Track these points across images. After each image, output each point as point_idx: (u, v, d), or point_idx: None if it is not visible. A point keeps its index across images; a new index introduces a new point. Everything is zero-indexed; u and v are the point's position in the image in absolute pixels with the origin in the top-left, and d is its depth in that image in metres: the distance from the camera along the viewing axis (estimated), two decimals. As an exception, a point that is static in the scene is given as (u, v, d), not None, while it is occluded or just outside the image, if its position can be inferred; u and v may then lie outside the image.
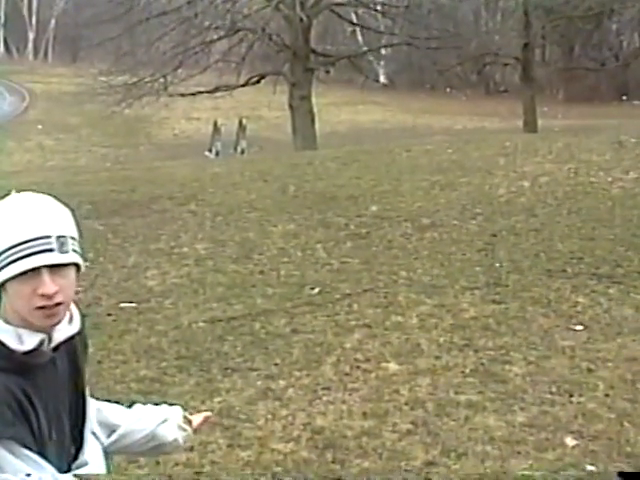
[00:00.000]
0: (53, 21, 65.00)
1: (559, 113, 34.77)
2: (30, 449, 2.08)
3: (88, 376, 6.12)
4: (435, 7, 28.83)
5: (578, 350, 6.66)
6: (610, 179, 13.08)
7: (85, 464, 2.24)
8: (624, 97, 40.62)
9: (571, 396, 5.83)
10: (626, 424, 5.41)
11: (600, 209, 11.39)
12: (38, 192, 2.18)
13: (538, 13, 28.10)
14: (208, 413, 2.77)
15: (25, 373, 2.10)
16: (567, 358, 6.51)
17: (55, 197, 2.22)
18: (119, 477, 4.82)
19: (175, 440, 2.48)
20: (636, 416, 5.52)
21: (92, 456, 2.30)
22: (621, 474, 4.38)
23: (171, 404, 5.81)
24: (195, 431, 2.57)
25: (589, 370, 6.28)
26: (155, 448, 2.45)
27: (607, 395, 5.84)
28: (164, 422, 2.46)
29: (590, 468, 4.90)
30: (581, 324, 7.24)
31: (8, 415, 2.05)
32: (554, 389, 5.94)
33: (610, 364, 6.38)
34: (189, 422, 2.53)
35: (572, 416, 5.53)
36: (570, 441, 5.20)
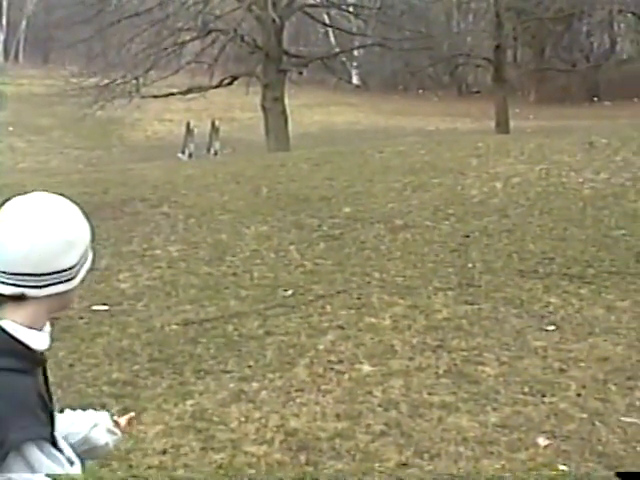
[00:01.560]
0: (24, 22, 64.61)
1: (531, 114, 34.92)
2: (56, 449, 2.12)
3: (60, 379, 6.07)
4: (407, 8, 28.87)
5: (550, 350, 6.70)
6: (581, 180, 13.16)
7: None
8: (595, 98, 40.85)
9: (543, 396, 5.86)
10: (598, 424, 5.45)
11: (571, 209, 11.46)
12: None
13: (510, 15, 28.21)
14: (132, 413, 2.70)
15: (40, 374, 2.17)
16: (539, 358, 6.54)
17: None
18: (91, 481, 4.79)
19: (106, 444, 2.43)
20: (608, 416, 5.56)
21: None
22: (619, 474, 4.40)
23: (144, 407, 5.80)
24: (123, 433, 2.52)
25: (561, 370, 6.32)
26: (86, 452, 2.38)
27: (579, 395, 5.88)
28: (95, 426, 2.40)
29: (562, 468, 4.92)
30: (553, 324, 7.28)
31: (42, 416, 2.07)
32: (526, 389, 5.97)
33: (582, 364, 6.42)
34: (117, 425, 2.48)
35: (544, 416, 5.56)
36: (542, 441, 5.23)
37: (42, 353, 2.17)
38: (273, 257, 9.70)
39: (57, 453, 2.11)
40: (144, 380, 6.29)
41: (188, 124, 30.46)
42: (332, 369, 6.40)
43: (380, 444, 5.23)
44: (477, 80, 46.65)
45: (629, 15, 37.25)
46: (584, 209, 11.44)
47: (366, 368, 6.39)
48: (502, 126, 26.76)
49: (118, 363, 6.64)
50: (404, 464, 4.99)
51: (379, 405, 5.76)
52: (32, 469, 2.02)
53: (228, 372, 6.40)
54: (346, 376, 6.26)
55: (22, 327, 2.10)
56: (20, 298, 2.08)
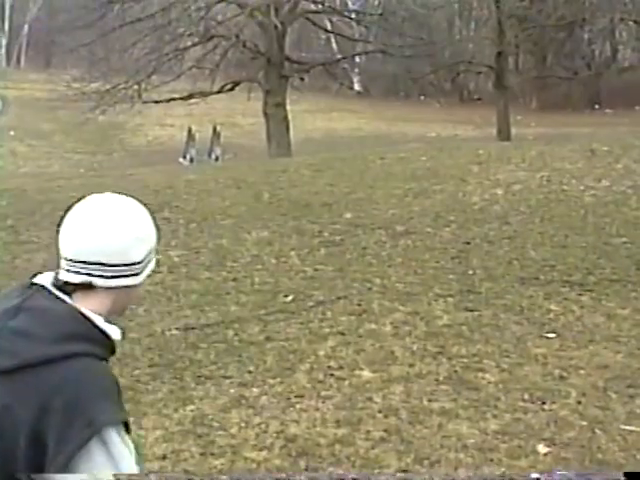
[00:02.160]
0: (26, 27, 64.66)
1: (532, 121, 34.94)
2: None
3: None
4: (409, 15, 28.89)
5: (550, 357, 6.70)
6: (582, 187, 13.16)
7: None
8: (596, 106, 40.88)
9: (543, 403, 5.86)
10: (598, 431, 5.44)
11: (572, 217, 11.47)
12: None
13: (511, 22, 28.25)
14: None
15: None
16: (540, 365, 6.54)
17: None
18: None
19: None
20: (608, 423, 5.55)
21: None
22: (627, 474, 4.39)
23: (144, 412, 5.79)
24: None
25: (561, 377, 6.31)
26: None
27: (579, 402, 5.87)
28: None
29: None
30: (553, 332, 7.28)
31: (121, 401, 2.21)
32: (526, 396, 5.97)
33: (582, 371, 6.42)
34: None
35: (544, 423, 5.56)
36: (542, 448, 5.23)
37: (114, 343, 2.26)
38: (274, 263, 9.71)
39: (129, 441, 2.14)
40: (145, 385, 6.29)
41: (189, 129, 30.50)
42: (332, 375, 6.40)
43: (380, 450, 5.22)
44: (479, 87, 46.69)
45: (631, 23, 37.30)
46: (585, 216, 11.44)
47: (366, 374, 6.39)
48: (503, 133, 26.77)
49: (119, 368, 6.63)
50: (404, 470, 4.99)
51: (379, 411, 5.76)
52: (110, 454, 2.04)
53: (228, 377, 6.40)
54: (346, 382, 6.26)
55: (98, 316, 2.17)
56: (88, 287, 2.16)
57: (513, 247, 10.07)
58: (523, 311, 7.80)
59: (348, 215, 11.87)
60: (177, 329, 7.50)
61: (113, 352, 2.24)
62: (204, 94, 26.73)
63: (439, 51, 30.65)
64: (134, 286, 2.24)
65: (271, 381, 6.30)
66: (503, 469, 4.98)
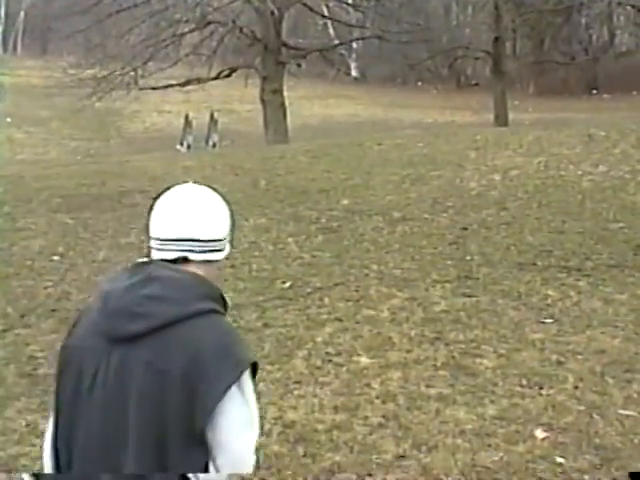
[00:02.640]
0: (22, 13, 64.48)
1: (530, 107, 34.90)
2: None
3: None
4: (406, 1, 28.86)
5: (548, 343, 6.70)
6: (580, 172, 13.16)
7: None
8: (594, 91, 40.85)
9: (541, 388, 5.87)
10: (595, 416, 5.45)
11: (570, 202, 11.47)
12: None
13: (508, 7, 28.20)
14: None
15: None
16: (537, 351, 6.55)
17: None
18: None
19: None
20: (605, 408, 5.56)
21: None
22: (632, 474, 4.40)
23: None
24: None
25: (559, 363, 6.32)
26: None
27: (576, 387, 5.88)
28: None
29: (560, 460, 4.93)
30: (551, 317, 7.29)
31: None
32: (524, 382, 5.97)
33: (579, 357, 6.42)
34: None
35: (542, 408, 5.56)
36: (540, 433, 5.23)
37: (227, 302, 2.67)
38: (271, 249, 9.70)
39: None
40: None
41: (187, 116, 30.43)
42: (330, 361, 6.40)
43: (378, 436, 5.23)
44: (476, 73, 46.64)
45: (628, 7, 37.19)
46: (583, 202, 11.45)
47: (364, 360, 6.39)
48: (501, 119, 26.76)
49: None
50: (402, 456, 5.00)
51: (377, 397, 5.76)
52: (243, 392, 2.38)
53: (226, 364, 6.40)
54: (344, 368, 6.27)
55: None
56: (182, 262, 2.49)
57: (511, 233, 10.08)
58: (521, 296, 7.80)
59: (345, 201, 11.87)
60: (175, 316, 7.50)
61: (227, 309, 2.63)
62: (201, 80, 26.68)
63: (436, 37, 30.58)
64: (217, 261, 2.57)
65: (269, 367, 6.30)
66: (500, 454, 4.99)
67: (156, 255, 2.53)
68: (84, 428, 2.39)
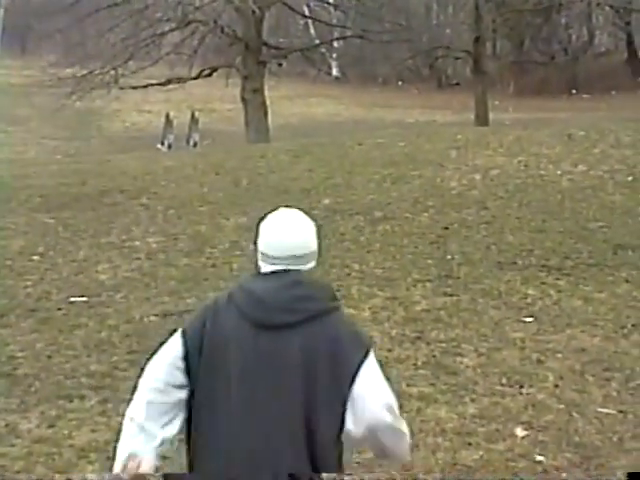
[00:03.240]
0: (1, 12, 64.14)
1: (510, 106, 35.00)
2: None
3: (38, 371, 6.02)
4: (387, 0, 28.87)
5: (528, 341, 6.74)
6: (560, 172, 13.22)
7: None
8: (573, 91, 41.00)
9: (521, 387, 5.90)
10: (575, 414, 5.49)
11: (550, 202, 11.52)
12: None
13: (489, 7, 28.26)
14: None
15: None
16: (517, 349, 6.58)
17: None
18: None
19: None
20: (584, 406, 5.60)
21: None
22: (631, 475, 4.43)
23: (123, 399, 5.77)
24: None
25: (539, 361, 6.35)
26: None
27: (556, 386, 5.91)
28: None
29: (540, 458, 4.96)
30: (531, 316, 7.32)
31: None
32: (504, 380, 6.00)
33: (559, 355, 6.46)
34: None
35: (522, 407, 5.59)
36: (520, 432, 5.26)
37: None
38: (253, 248, 9.69)
39: None
40: (123, 372, 6.27)
41: (167, 115, 30.37)
42: (311, 360, 6.41)
43: (359, 435, 5.23)
44: (456, 72, 46.74)
45: (607, 8, 37.40)
46: (562, 201, 11.50)
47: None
48: (481, 118, 26.82)
49: (97, 354, 6.63)
50: (383, 455, 5.00)
51: (358, 396, 5.77)
52: (373, 364, 3.07)
53: (207, 363, 6.39)
54: (325, 367, 6.27)
55: None
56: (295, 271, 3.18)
57: (491, 232, 10.11)
58: (501, 295, 7.84)
59: (327, 201, 11.88)
60: (155, 315, 7.49)
61: None
62: (182, 80, 26.62)
63: (417, 36, 30.63)
64: (312, 270, 3.24)
65: (250, 367, 6.30)
66: (481, 452, 5.01)
67: (268, 268, 3.19)
68: (248, 400, 3.00)
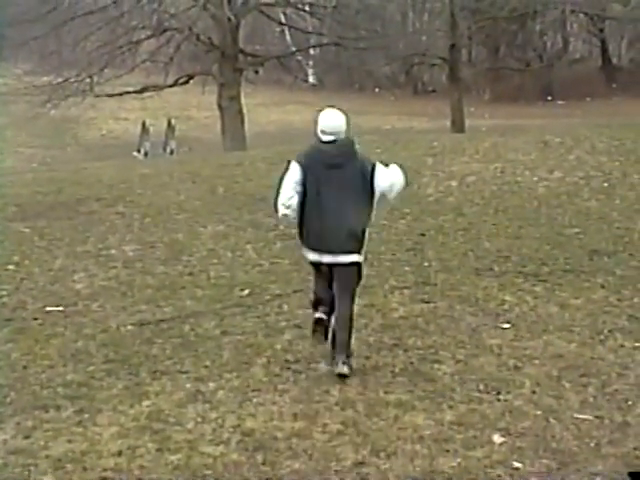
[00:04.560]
0: (-24, 20, 63.86)
1: (486, 113, 35.14)
2: None
3: (13, 381, 6.00)
4: (363, 7, 28.88)
5: (505, 348, 6.76)
6: (536, 178, 13.29)
7: None
8: (548, 97, 41.20)
9: (498, 394, 5.91)
10: (552, 420, 5.51)
11: (526, 208, 11.58)
12: None
13: (464, 14, 28.38)
14: None
15: None
16: (494, 356, 6.60)
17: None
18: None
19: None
20: (562, 412, 5.62)
21: None
22: (631, 474, 4.43)
23: (99, 408, 5.74)
24: None
25: (516, 368, 6.37)
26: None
27: (534, 392, 5.93)
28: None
29: (517, 465, 4.97)
30: (508, 322, 7.34)
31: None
32: (482, 387, 6.02)
33: (536, 361, 6.48)
34: None
35: (499, 413, 5.61)
36: (498, 438, 5.27)
37: None
38: (230, 256, 9.68)
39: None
40: (99, 381, 6.24)
41: (144, 123, 30.29)
42: (289, 368, 6.40)
43: (337, 443, 5.24)
44: (433, 79, 46.89)
45: (581, 15, 37.66)
46: (538, 208, 11.56)
47: (323, 367, 6.39)
48: (457, 125, 26.91)
49: (73, 364, 6.59)
50: (361, 463, 5.01)
51: (336, 404, 5.77)
52: (380, 167, 6.76)
53: (184, 372, 6.37)
54: (303, 375, 6.27)
55: None
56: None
57: (468, 238, 10.14)
58: (478, 302, 7.86)
59: (303, 208, 11.86)
60: (132, 324, 7.45)
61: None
62: (158, 87, 26.55)
63: (393, 43, 30.68)
64: (343, 137, 6.75)
65: (228, 375, 6.29)
66: (459, 460, 5.02)
67: (325, 137, 6.65)
68: (329, 196, 6.57)
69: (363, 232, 6.66)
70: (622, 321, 7.38)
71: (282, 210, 6.59)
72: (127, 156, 27.06)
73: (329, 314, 6.48)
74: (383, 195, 6.68)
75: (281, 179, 6.65)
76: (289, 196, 6.57)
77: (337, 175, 6.57)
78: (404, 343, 6.88)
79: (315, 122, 6.64)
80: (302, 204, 6.59)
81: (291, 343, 6.92)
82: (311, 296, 6.73)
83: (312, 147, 6.77)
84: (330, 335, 6.42)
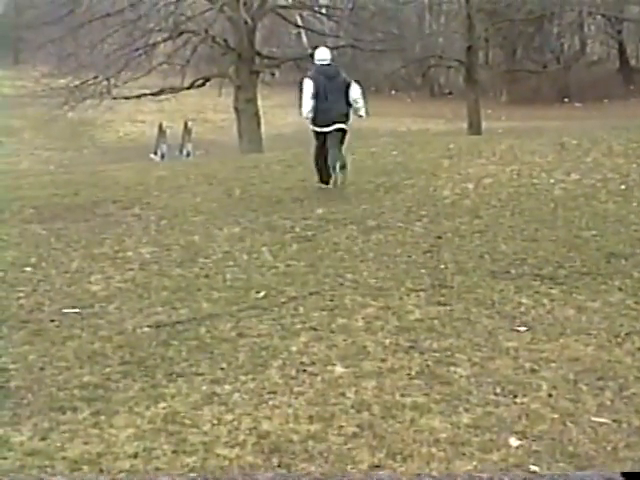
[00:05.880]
0: (-6, 22, 64.03)
1: (502, 115, 35.11)
2: None
3: (30, 383, 6.03)
4: (379, 10, 28.94)
5: (522, 351, 6.73)
6: (552, 181, 13.25)
7: None
8: (565, 99, 41.11)
9: (515, 397, 5.89)
10: (569, 424, 5.48)
11: (543, 210, 11.54)
12: None
13: (481, 16, 28.40)
14: None
15: None
16: (511, 359, 6.57)
17: None
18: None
19: None
20: (578, 416, 5.59)
21: None
22: (625, 474, 4.41)
23: (116, 410, 5.76)
24: None
25: (532, 371, 6.34)
26: None
27: (550, 395, 5.91)
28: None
29: (534, 468, 4.95)
30: (524, 325, 7.31)
31: None
32: (498, 390, 5.99)
33: (553, 364, 6.45)
34: None
35: (516, 417, 5.58)
36: (514, 442, 5.25)
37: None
38: (246, 259, 9.69)
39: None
40: (115, 383, 6.25)
41: (160, 125, 30.41)
42: (305, 371, 6.40)
43: (353, 446, 5.23)
44: (449, 81, 46.86)
45: (599, 17, 37.57)
46: (555, 210, 11.52)
47: (339, 370, 6.39)
48: (474, 127, 26.91)
49: (89, 366, 6.60)
50: (377, 466, 5.00)
51: (352, 407, 5.76)
52: (357, 85, 13.02)
53: (200, 374, 6.37)
54: (319, 378, 6.26)
55: None
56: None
57: (484, 241, 10.12)
58: (494, 305, 7.83)
59: (320, 210, 11.88)
60: (148, 326, 7.47)
61: None
62: (175, 90, 26.66)
63: (409, 46, 30.74)
64: (332, 62, 13.61)
65: (243, 378, 6.29)
66: (475, 463, 5.00)
67: (322, 63, 12.93)
68: (326, 94, 12.67)
69: (347, 114, 12.91)
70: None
71: (306, 114, 12.75)
72: (144, 158, 27.16)
73: (325, 169, 13.19)
74: (353, 100, 12.89)
75: (301, 90, 12.83)
76: (309, 106, 12.67)
77: (331, 83, 12.75)
78: (420, 345, 6.86)
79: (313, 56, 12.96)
80: (314, 100, 12.65)
81: (307, 345, 6.91)
82: (313, 164, 13.49)
83: (315, 69, 13.01)
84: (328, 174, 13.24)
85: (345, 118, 12.80)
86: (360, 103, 12.85)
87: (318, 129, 12.78)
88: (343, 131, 12.83)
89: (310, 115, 12.62)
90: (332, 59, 13.12)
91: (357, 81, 12.99)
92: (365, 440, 5.30)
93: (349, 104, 12.78)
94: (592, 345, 6.85)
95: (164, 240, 10.64)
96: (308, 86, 12.57)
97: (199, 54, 27.85)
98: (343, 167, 12.95)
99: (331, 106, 12.59)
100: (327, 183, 13.05)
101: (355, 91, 12.77)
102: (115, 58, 25.16)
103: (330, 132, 12.65)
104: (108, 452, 5.20)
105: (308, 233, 10.72)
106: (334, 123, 12.66)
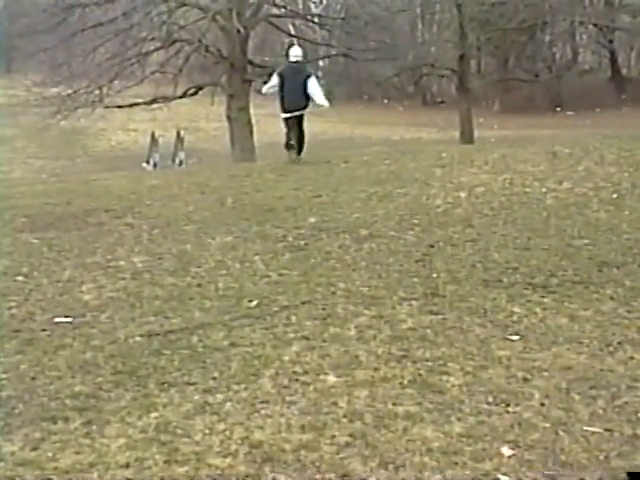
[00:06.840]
0: (-14, 31, 63.97)
1: (495, 124, 35.18)
2: None
3: (21, 393, 6.02)
4: (372, 19, 28.98)
5: (514, 360, 6.73)
6: (544, 189, 13.28)
7: None
8: (558, 108, 41.23)
9: (507, 406, 5.88)
10: (561, 433, 5.48)
11: (535, 219, 11.55)
12: None
13: (473, 25, 28.49)
14: None
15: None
16: (503, 368, 6.57)
17: None
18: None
19: None
20: (571, 425, 5.59)
21: None
22: (630, 474, 4.40)
23: (107, 420, 5.74)
24: None
25: (525, 379, 6.34)
26: None
27: (542, 404, 5.91)
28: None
29: (526, 478, 4.94)
30: (517, 334, 7.32)
31: None
32: (491, 399, 5.99)
33: (545, 373, 6.45)
34: None
35: (508, 426, 5.58)
36: (507, 451, 5.25)
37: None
38: (238, 268, 9.68)
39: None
40: (107, 393, 6.24)
41: (153, 134, 30.40)
42: (297, 380, 6.39)
43: (345, 455, 5.22)
44: (441, 90, 46.95)
45: (590, 26, 37.69)
46: (547, 219, 11.54)
47: (331, 379, 6.38)
48: (466, 136, 26.97)
49: (81, 376, 6.59)
50: (369, 475, 4.99)
51: (344, 416, 5.75)
52: (315, 79, 17.03)
53: (192, 384, 6.36)
54: (311, 387, 6.25)
55: None
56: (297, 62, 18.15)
57: (476, 250, 10.13)
58: (487, 313, 7.83)
59: (312, 219, 11.88)
60: (140, 336, 7.45)
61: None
62: (167, 99, 26.66)
63: (402, 54, 30.79)
64: (302, 62, 18.24)
65: (235, 387, 6.27)
66: (467, 472, 4.99)
67: (291, 60, 17.08)
68: (289, 86, 16.73)
69: (305, 105, 16.76)
70: (632, 333, 7.35)
71: (265, 90, 17.83)
72: (136, 167, 27.15)
73: (292, 141, 17.06)
74: (310, 93, 16.49)
75: (270, 78, 16.89)
76: (272, 84, 17.16)
77: (295, 77, 16.56)
78: (412, 354, 6.86)
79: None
80: (280, 92, 16.81)
81: (299, 355, 6.91)
82: (284, 139, 17.42)
83: (285, 65, 17.31)
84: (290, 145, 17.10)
85: (303, 107, 16.83)
86: (317, 95, 16.71)
87: (283, 115, 17.09)
88: (301, 116, 16.95)
89: (271, 93, 17.71)
90: (303, 56, 17.85)
91: (316, 76, 17.48)
92: (358, 449, 5.29)
93: (307, 96, 16.64)
94: (584, 354, 6.86)
95: (156, 249, 10.63)
96: (274, 79, 17.23)
97: (192, 63, 27.88)
98: (299, 148, 17.37)
99: (292, 96, 16.64)
100: (288, 150, 17.45)
101: (311, 85, 16.57)
102: (107, 67, 25.16)
103: (291, 117, 16.87)
104: (100, 462, 5.18)
105: (300, 242, 10.72)
106: (295, 110, 16.77)
